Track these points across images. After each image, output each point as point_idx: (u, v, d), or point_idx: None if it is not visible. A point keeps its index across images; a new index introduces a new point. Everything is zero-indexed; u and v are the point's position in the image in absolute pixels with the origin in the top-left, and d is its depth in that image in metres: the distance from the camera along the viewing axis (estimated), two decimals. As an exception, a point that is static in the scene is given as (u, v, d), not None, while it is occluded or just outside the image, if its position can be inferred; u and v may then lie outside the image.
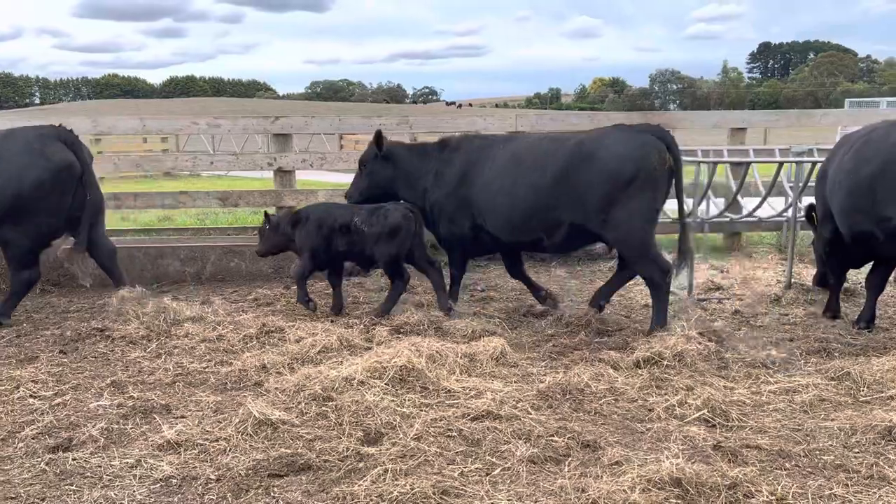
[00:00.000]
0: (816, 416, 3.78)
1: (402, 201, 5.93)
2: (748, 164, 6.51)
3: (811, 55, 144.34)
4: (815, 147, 7.94)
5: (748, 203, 7.73)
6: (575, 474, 3.15)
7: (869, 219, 4.92)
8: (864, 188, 4.88)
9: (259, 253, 6.06)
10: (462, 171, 5.75)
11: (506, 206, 5.49)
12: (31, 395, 4.10)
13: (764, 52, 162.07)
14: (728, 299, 6.21)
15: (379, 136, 6.00)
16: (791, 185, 7.31)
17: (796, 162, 6.29)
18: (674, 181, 5.20)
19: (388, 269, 5.72)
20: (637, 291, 6.58)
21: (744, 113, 8.93)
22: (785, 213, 7.07)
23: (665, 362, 4.48)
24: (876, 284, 5.40)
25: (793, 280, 6.52)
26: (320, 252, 5.72)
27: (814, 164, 6.36)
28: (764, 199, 6.43)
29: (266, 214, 5.92)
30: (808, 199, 6.97)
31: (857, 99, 36.25)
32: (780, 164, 6.32)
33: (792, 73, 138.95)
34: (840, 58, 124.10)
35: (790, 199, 6.94)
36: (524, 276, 6.11)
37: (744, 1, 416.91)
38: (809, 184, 6.46)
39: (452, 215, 5.80)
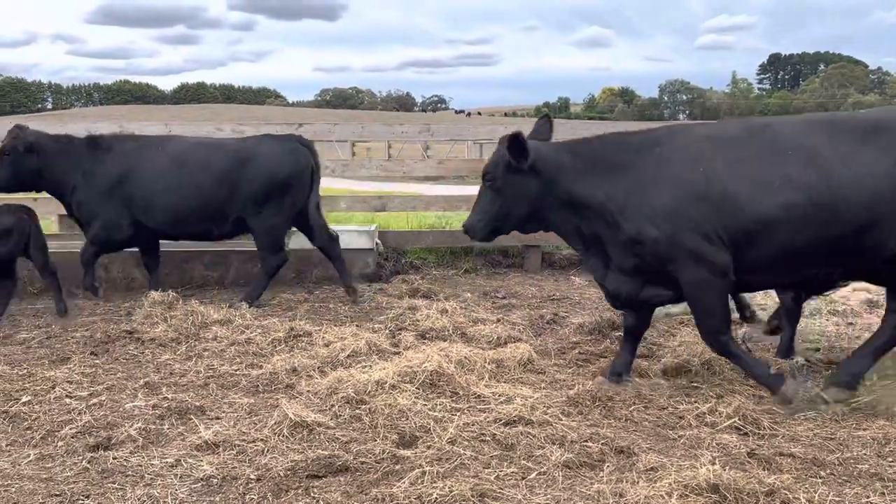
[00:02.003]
0: (848, 425, 3.79)
1: (13, 204, 6.12)
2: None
3: (822, 67, 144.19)
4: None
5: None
6: (611, 479, 3.17)
7: None
8: None
9: None
10: (118, 170, 6.21)
11: (173, 203, 6.18)
12: (67, 396, 4.16)
13: (774, 64, 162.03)
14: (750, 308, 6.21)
15: (18, 128, 6.25)
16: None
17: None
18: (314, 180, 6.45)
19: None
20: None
21: (764, 123, 8.91)
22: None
23: (693, 370, 4.50)
24: None
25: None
26: None
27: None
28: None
29: None
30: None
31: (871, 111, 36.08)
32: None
33: (802, 85, 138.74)
34: (851, 69, 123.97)
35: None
36: (156, 270, 6.72)
37: (754, 12, 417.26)
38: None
39: (107, 212, 6.20)
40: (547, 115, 4.78)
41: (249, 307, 6.00)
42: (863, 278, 4.37)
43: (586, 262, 4.54)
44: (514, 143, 4.18)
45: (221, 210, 6.24)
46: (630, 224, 4.04)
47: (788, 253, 3.92)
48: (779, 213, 3.83)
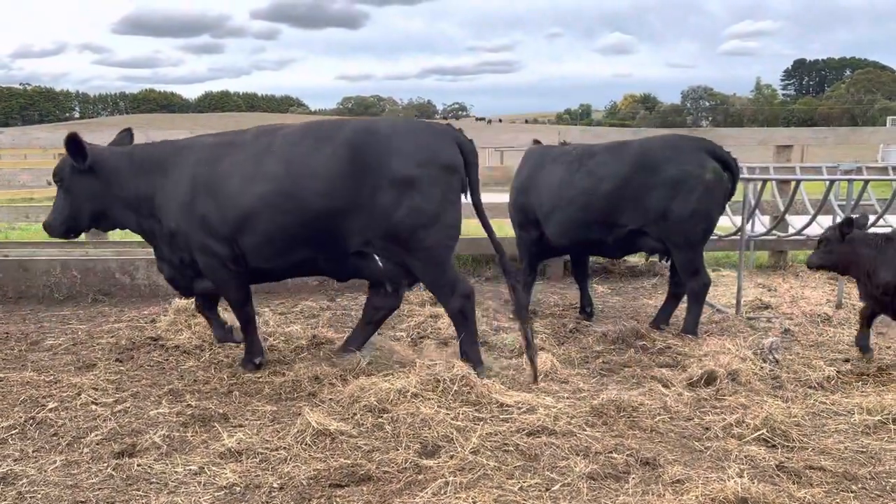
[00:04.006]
0: (880, 438, 3.71)
1: None
2: (798, 181, 6.44)
3: (847, 72, 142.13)
4: (863, 165, 7.85)
5: (794, 221, 7.64)
6: (637, 491, 3.13)
7: None
8: None
9: None
10: None
11: None
12: (92, 402, 4.19)
13: (799, 69, 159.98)
14: (777, 318, 6.12)
15: None
16: (840, 203, 7.21)
17: (848, 180, 6.20)
18: None
19: None
20: (684, 309, 6.52)
21: (791, 130, 8.83)
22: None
23: (719, 381, 4.43)
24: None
25: (843, 300, 6.42)
26: None
27: (866, 181, 6.28)
28: (814, 216, 6.35)
29: None
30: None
31: (898, 117, 35.53)
32: (832, 181, 6.23)
33: (828, 91, 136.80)
34: (878, 75, 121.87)
35: (839, 218, 6.84)
36: None
37: (778, 17, 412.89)
38: (861, 203, 6.38)
39: None
40: (129, 129, 5.25)
41: None
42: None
43: (156, 255, 4.95)
44: (71, 143, 4.62)
45: None
46: (165, 221, 4.62)
47: (273, 239, 4.45)
48: (257, 203, 4.37)
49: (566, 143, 6.55)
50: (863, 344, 4.95)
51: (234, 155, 4.54)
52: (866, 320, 4.92)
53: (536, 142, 6.59)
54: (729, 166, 5.41)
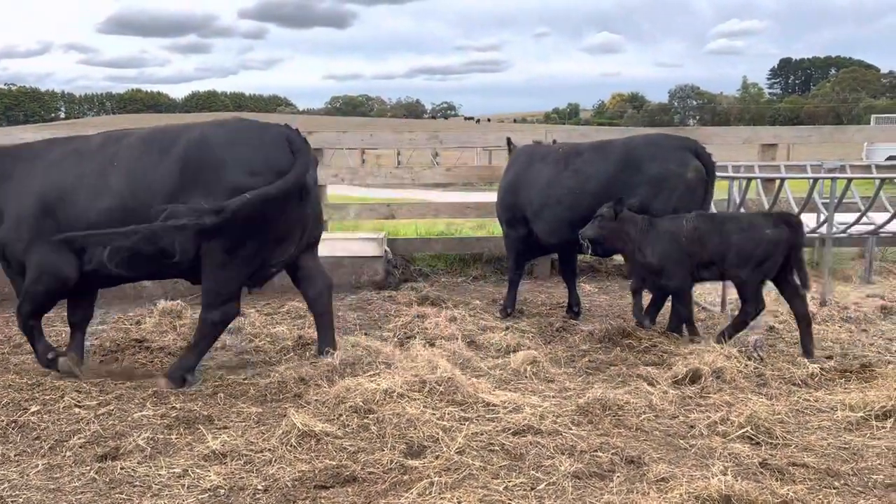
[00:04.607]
0: (862, 434, 3.74)
1: None
2: (782, 179, 6.48)
3: (833, 71, 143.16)
4: (847, 163, 7.91)
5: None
6: (622, 490, 3.13)
7: None
8: None
9: None
10: None
11: None
12: (75, 405, 4.15)
13: (785, 68, 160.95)
14: (761, 315, 6.14)
15: None
16: (823, 200, 7.26)
17: (832, 178, 6.25)
18: None
19: None
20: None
21: (775, 129, 8.90)
22: (819, 230, 7.01)
23: (704, 379, 4.45)
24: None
25: (828, 297, 6.46)
26: None
27: (849, 179, 6.33)
28: (798, 214, 6.38)
29: None
30: (842, 216, 6.93)
31: (883, 115, 35.80)
32: (815, 179, 6.28)
33: (813, 89, 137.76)
34: (862, 73, 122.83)
35: (823, 216, 6.89)
36: None
37: (765, 17, 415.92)
38: (844, 200, 6.43)
39: None
40: None
41: None
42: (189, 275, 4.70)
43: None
44: None
45: None
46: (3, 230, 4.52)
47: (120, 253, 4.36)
48: (101, 217, 4.34)
49: (540, 142, 6.62)
50: (636, 315, 5.49)
51: (81, 166, 4.47)
52: (634, 293, 5.51)
53: (509, 141, 6.65)
54: (707, 167, 5.45)
